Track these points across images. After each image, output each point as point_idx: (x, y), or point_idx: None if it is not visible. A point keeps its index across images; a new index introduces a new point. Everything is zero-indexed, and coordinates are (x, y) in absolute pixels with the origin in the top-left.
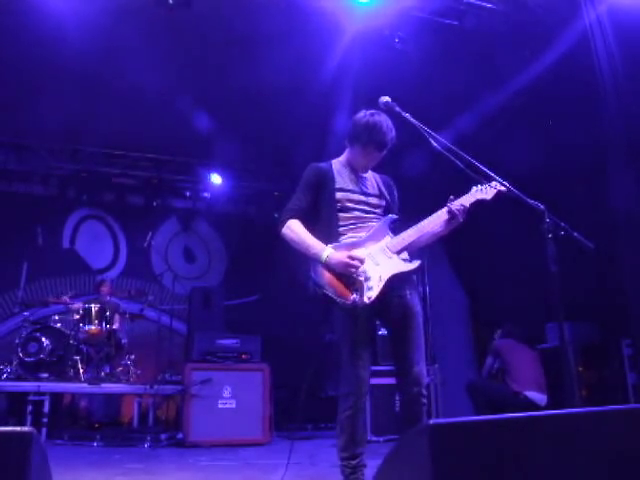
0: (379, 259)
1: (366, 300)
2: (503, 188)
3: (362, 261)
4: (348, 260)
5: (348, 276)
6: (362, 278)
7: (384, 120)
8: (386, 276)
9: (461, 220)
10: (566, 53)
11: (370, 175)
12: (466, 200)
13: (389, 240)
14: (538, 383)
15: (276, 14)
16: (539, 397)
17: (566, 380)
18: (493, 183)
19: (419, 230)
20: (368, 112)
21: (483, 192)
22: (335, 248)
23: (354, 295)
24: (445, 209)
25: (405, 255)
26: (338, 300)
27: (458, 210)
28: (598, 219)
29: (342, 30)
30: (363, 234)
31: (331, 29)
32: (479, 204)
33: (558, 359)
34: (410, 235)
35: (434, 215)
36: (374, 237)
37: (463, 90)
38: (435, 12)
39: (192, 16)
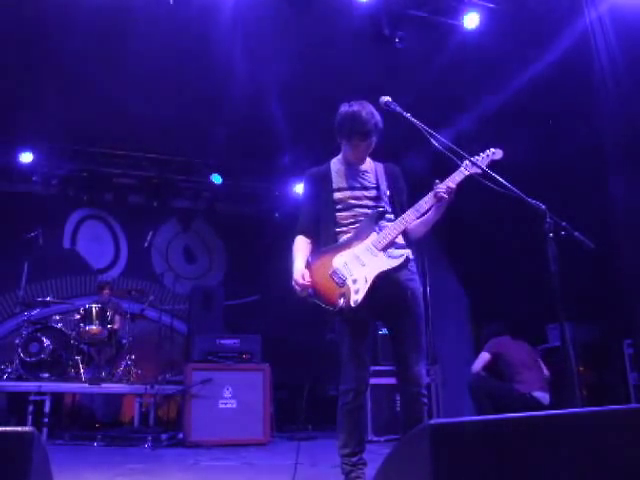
0: (365, 259)
1: (352, 304)
2: (498, 156)
3: (304, 287)
4: (297, 280)
5: (335, 281)
6: (349, 282)
7: (363, 108)
8: (371, 276)
9: (450, 201)
10: (567, 52)
11: (370, 167)
12: (452, 181)
13: (375, 237)
14: (541, 382)
15: (276, 13)
16: (543, 396)
17: (567, 380)
18: (488, 152)
19: (405, 221)
20: (347, 104)
21: (474, 167)
22: (321, 254)
23: (340, 300)
24: (431, 194)
25: (400, 253)
26: (325, 307)
27: (443, 192)
28: (598, 219)
29: (342, 29)
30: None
31: (331, 28)
32: (470, 178)
33: (559, 359)
34: (395, 228)
35: (420, 202)
36: (360, 236)
37: (463, 90)
38: (435, 11)
39: (192, 16)
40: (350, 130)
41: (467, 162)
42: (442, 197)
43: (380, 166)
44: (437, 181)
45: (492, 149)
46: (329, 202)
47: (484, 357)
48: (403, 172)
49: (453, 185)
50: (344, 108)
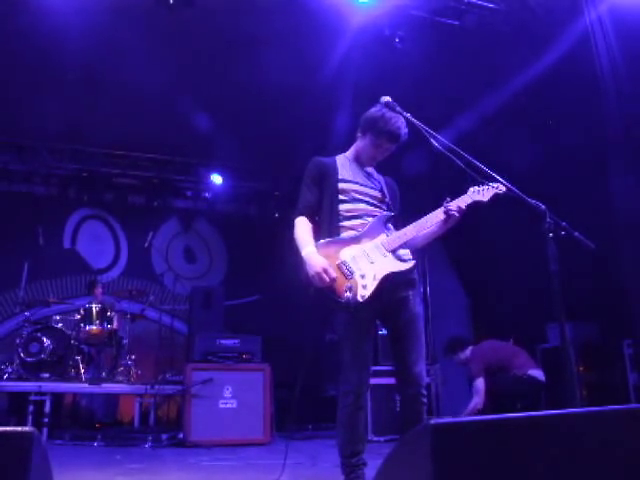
0: (374, 257)
1: (359, 299)
2: (501, 189)
3: (333, 280)
4: (320, 271)
5: (342, 272)
6: (357, 276)
7: (399, 117)
8: (380, 275)
9: (457, 221)
10: (567, 53)
11: (376, 173)
12: (462, 202)
13: (384, 238)
14: (532, 363)
15: (276, 13)
16: (538, 373)
17: (567, 380)
18: (492, 184)
19: (415, 229)
20: (383, 106)
21: (480, 194)
22: (327, 244)
23: (347, 293)
24: (442, 209)
25: (404, 253)
26: (331, 297)
27: (454, 211)
28: (598, 219)
29: (342, 30)
30: (362, 229)
31: (331, 29)
32: (475, 205)
33: (559, 359)
34: (406, 233)
35: (430, 215)
36: (369, 234)
37: (463, 90)
38: (435, 12)
39: (192, 16)
40: (382, 129)
41: (472, 189)
42: (453, 215)
43: (382, 178)
44: (448, 199)
45: (495, 184)
46: (333, 190)
47: (482, 385)
48: (402, 173)
49: (463, 206)
50: (382, 109)
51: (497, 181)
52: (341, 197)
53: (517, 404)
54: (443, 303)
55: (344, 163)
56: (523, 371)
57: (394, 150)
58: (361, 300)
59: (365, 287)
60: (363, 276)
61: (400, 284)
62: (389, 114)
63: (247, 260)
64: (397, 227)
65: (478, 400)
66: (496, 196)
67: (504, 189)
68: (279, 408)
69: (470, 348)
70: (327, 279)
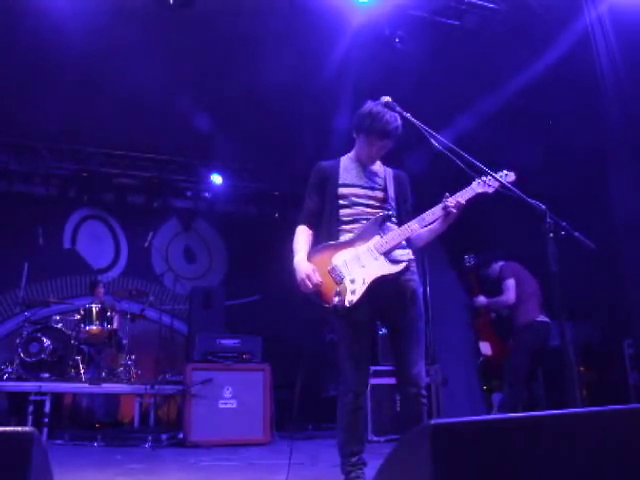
0: (365, 260)
1: (347, 304)
2: (510, 179)
3: (316, 285)
4: (304, 277)
5: (332, 278)
6: (347, 281)
7: (388, 110)
8: (370, 279)
9: (457, 216)
10: (567, 53)
11: (380, 169)
12: (462, 196)
13: (378, 240)
14: (541, 308)
15: (276, 14)
16: (545, 318)
17: (567, 380)
18: (499, 174)
19: (410, 228)
20: (372, 103)
21: (485, 186)
22: (322, 249)
23: (336, 298)
24: (440, 206)
25: (402, 253)
26: (319, 304)
27: (452, 207)
28: (598, 219)
29: (342, 30)
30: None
31: (331, 29)
32: (480, 197)
33: (559, 359)
34: (399, 235)
35: (428, 212)
36: (363, 236)
37: (463, 90)
38: (435, 12)
39: (192, 16)
40: (370, 126)
41: (479, 180)
42: (451, 211)
43: (390, 171)
44: (447, 194)
45: (505, 171)
46: (333, 196)
47: (512, 284)
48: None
49: (463, 201)
50: (370, 105)
51: (496, 180)
52: (341, 202)
53: (540, 352)
54: (443, 303)
55: (347, 165)
56: (532, 317)
57: (392, 146)
58: (348, 305)
59: (354, 292)
60: (353, 281)
61: (395, 285)
62: (376, 110)
63: (247, 260)
64: (408, 221)
65: (510, 295)
66: (503, 186)
67: (513, 178)
68: (279, 408)
69: (501, 262)
70: (310, 285)
